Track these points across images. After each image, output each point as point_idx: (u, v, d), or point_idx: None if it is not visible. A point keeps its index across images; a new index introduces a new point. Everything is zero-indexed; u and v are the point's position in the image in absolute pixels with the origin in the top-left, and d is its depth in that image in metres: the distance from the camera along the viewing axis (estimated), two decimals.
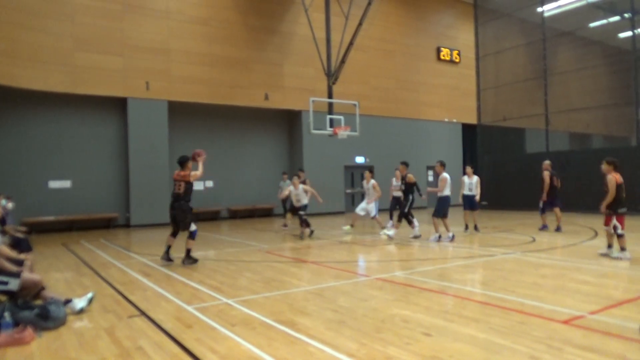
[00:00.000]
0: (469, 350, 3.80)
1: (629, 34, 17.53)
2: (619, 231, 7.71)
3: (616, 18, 20.24)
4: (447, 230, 10.83)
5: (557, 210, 12.05)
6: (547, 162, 12.22)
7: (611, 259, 7.80)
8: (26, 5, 14.79)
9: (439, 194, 10.87)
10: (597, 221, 13.73)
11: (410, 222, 11.25)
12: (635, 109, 16.48)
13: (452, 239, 10.63)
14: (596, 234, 11.37)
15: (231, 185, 19.52)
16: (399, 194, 11.84)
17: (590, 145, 26.41)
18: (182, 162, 8.21)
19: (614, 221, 7.73)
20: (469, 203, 12.24)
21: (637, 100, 16.41)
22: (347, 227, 13.15)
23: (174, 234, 8.44)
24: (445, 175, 10.68)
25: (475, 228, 12.17)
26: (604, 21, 21.16)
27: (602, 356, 3.58)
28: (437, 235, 10.68)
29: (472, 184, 12.16)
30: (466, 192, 12.22)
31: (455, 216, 13.68)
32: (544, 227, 12.23)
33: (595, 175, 16.65)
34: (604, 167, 7.92)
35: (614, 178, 7.72)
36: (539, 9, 19.67)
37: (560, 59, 20.81)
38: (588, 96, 20.24)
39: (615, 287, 6.08)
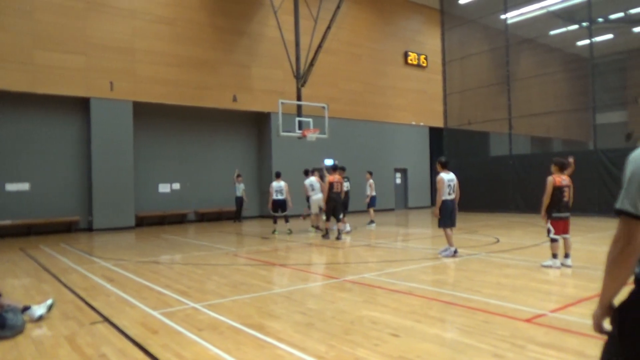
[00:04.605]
0: (435, 350, 3.86)
1: (586, 41, 18.26)
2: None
3: (575, 26, 21.05)
4: (449, 243, 8.79)
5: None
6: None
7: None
8: None
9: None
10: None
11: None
12: (593, 114, 17.17)
13: (455, 253, 8.72)
14: None
15: (198, 187, 19.22)
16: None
17: (551, 148, 27.31)
18: (335, 169, 12.16)
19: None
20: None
21: (595, 106, 17.10)
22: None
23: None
24: (441, 175, 8.77)
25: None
26: (563, 29, 21.98)
27: (562, 352, 3.71)
28: (447, 247, 8.89)
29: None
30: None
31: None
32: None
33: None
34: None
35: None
36: (503, 16, 20.26)
37: (522, 65, 21.48)
38: (549, 101, 20.96)
39: (574, 286, 6.30)
